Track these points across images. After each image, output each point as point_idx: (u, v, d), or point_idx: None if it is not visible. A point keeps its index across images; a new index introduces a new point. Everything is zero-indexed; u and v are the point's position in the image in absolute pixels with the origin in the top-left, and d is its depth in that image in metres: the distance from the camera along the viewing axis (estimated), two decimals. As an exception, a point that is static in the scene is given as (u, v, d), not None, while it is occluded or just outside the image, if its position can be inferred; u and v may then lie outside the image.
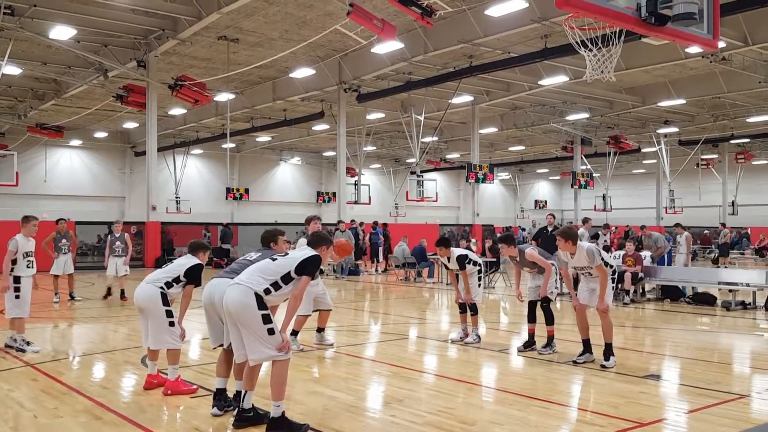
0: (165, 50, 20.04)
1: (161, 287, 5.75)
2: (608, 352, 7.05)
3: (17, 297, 7.71)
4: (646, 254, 14.60)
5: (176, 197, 34.93)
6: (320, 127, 31.02)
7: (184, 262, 5.91)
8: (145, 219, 22.98)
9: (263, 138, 35.87)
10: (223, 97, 24.61)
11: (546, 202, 50.62)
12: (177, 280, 5.80)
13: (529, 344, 7.97)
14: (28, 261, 7.80)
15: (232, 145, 34.39)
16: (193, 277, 5.84)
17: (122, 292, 13.49)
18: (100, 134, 34.49)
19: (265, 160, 41.30)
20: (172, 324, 5.76)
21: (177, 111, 28.21)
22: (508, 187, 52.34)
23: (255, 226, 27.84)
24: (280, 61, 20.79)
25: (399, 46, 18.65)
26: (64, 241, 13.29)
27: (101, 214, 31.53)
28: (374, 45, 18.65)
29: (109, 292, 13.65)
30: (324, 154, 42.06)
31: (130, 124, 32.62)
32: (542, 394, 6.00)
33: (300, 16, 17.98)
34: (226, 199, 34.71)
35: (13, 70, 20.82)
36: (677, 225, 17.39)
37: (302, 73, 22.22)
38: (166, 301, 5.75)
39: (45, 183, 34.08)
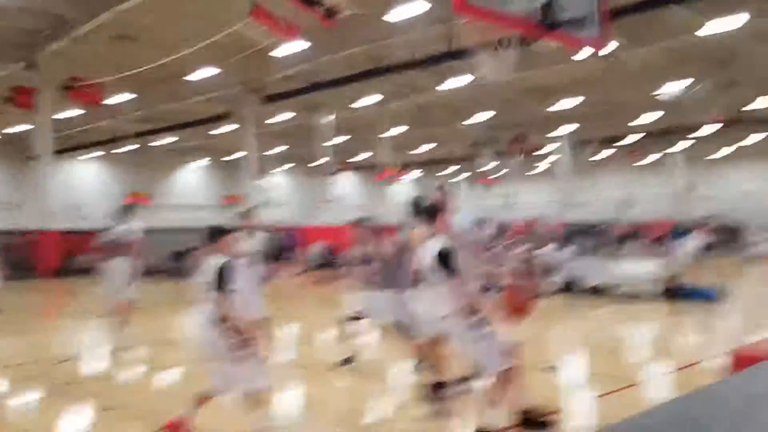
0: (56, 50, 18.92)
1: None
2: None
3: None
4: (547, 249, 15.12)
5: (73, 204, 33.05)
6: (226, 128, 30.26)
7: None
8: (40, 227, 21.64)
9: (166, 140, 34.60)
10: (122, 98, 23.53)
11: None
12: None
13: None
14: None
15: (133, 147, 32.97)
16: None
17: None
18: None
19: (168, 162, 39.82)
20: None
21: (72, 113, 26.71)
22: (419, 186, 53.03)
23: (160, 233, 26.83)
24: (181, 60, 20.10)
25: (304, 46, 18.44)
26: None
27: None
28: (279, 45, 18.38)
29: None
30: (231, 155, 41.06)
31: (22, 127, 30.58)
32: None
33: (200, 15, 17.43)
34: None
35: None
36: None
37: (205, 73, 21.57)
38: None
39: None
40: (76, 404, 5.80)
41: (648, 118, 30.39)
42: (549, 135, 34.05)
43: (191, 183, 41.49)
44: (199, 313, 4.82)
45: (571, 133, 34.07)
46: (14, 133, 32.90)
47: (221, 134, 32.29)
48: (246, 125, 24.59)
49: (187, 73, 22.28)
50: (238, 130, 28.28)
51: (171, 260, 25.02)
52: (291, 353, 8.71)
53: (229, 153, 40.33)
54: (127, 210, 8.87)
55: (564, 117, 31.20)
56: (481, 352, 4.44)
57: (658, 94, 24.46)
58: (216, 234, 5.01)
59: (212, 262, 4.82)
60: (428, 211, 4.62)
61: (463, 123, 31.15)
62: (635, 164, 39.75)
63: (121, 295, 8.32)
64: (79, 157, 34.23)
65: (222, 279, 4.68)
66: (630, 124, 32.06)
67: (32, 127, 29.29)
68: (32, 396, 6.26)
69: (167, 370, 7.59)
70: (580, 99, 26.47)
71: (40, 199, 21.80)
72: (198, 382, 4.96)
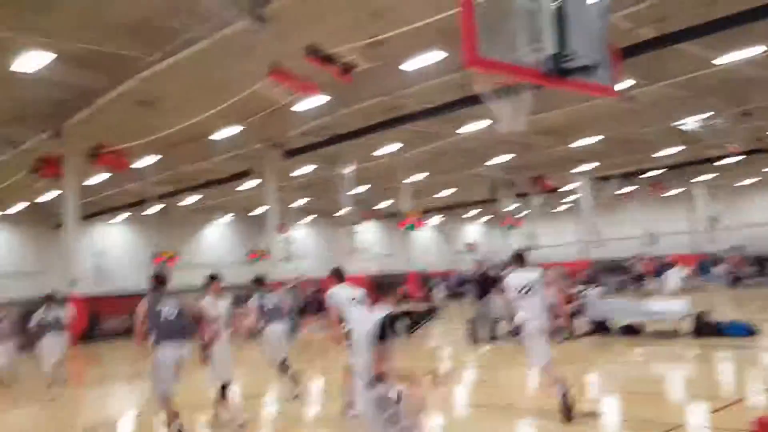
0: (81, 119, 19.54)
1: None
2: None
3: None
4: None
5: (98, 268, 33.52)
6: (248, 185, 30.73)
7: None
8: (66, 293, 21.89)
9: (190, 200, 35.18)
10: (145, 161, 24.09)
11: (478, 244, 51.42)
12: None
13: None
14: None
15: (157, 208, 33.57)
16: None
17: None
18: (17, 207, 33.04)
19: (192, 221, 40.42)
20: None
21: (97, 179, 27.39)
22: (440, 231, 53.02)
23: (186, 292, 27.07)
24: (203, 122, 20.60)
25: (322, 101, 18.82)
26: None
27: (19, 291, 29.88)
28: (297, 101, 18.79)
29: None
30: (254, 211, 41.54)
31: (49, 195, 31.37)
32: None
33: (220, 78, 17.90)
34: (154, 264, 33.55)
35: None
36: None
37: (225, 133, 22.06)
38: None
39: (-44, 261, 32.20)
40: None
41: (668, 151, 30.27)
42: (569, 173, 34.02)
43: (217, 240, 41.97)
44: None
45: (591, 170, 34.02)
46: (41, 202, 33.77)
47: (245, 190, 32.79)
48: (268, 180, 24.98)
49: (210, 133, 22.81)
50: (261, 185, 28.73)
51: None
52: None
53: (253, 208, 40.87)
54: None
55: (583, 155, 31.21)
56: None
57: (677, 127, 24.44)
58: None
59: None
60: None
61: (482, 166, 31.29)
62: (658, 198, 39.40)
63: None
64: (106, 221, 34.90)
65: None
66: (651, 157, 31.93)
67: (56, 195, 30.12)
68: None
69: None
70: (599, 137, 26.51)
71: (66, 265, 22.13)
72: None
